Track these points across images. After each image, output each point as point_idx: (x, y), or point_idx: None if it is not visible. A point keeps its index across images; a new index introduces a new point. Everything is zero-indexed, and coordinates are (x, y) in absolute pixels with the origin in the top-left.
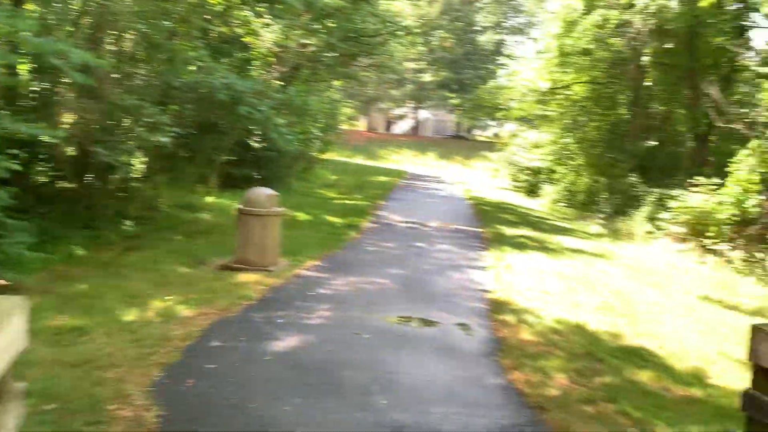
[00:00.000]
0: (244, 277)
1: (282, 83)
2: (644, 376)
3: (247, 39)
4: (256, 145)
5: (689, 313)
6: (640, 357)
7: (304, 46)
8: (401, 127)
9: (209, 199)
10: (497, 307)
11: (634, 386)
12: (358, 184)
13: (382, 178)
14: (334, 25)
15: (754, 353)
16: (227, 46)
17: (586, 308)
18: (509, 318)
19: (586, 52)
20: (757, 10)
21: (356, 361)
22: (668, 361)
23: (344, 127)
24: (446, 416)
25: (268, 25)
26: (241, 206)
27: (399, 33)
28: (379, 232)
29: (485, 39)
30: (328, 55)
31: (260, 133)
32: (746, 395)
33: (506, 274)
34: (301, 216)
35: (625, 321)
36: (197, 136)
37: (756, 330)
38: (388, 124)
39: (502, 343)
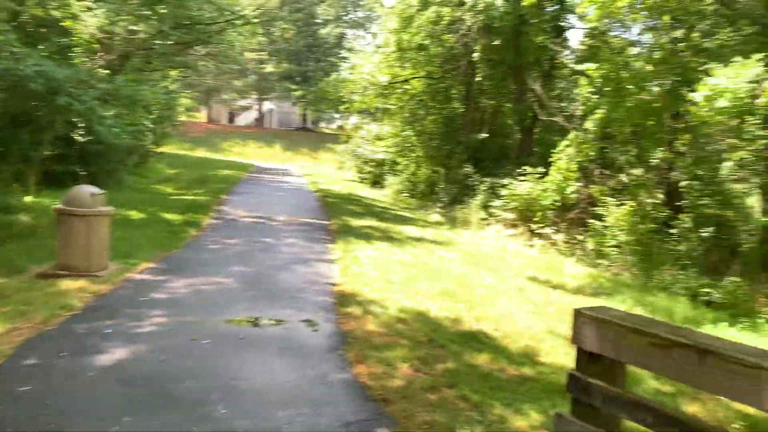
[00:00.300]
0: (66, 284)
1: (109, 72)
2: (482, 359)
3: (67, 24)
4: (81, 138)
5: (521, 295)
6: (478, 341)
7: (133, 33)
8: (245, 118)
9: (27, 199)
10: (344, 299)
11: (473, 370)
12: (199, 178)
13: (226, 172)
14: (166, 11)
15: (576, 336)
16: (43, 30)
17: (428, 295)
18: (355, 310)
19: (421, 48)
20: (573, 12)
21: (193, 370)
22: (503, 343)
23: (183, 118)
24: (291, 419)
25: (90, 8)
26: (60, 206)
27: (237, 22)
28: (221, 229)
29: (327, 32)
30: (161, 43)
31: (84, 125)
32: (571, 377)
33: (353, 266)
34: (135, 214)
35: (464, 306)
36: (9, 130)
37: (578, 314)
38: (231, 115)
39: (347, 336)
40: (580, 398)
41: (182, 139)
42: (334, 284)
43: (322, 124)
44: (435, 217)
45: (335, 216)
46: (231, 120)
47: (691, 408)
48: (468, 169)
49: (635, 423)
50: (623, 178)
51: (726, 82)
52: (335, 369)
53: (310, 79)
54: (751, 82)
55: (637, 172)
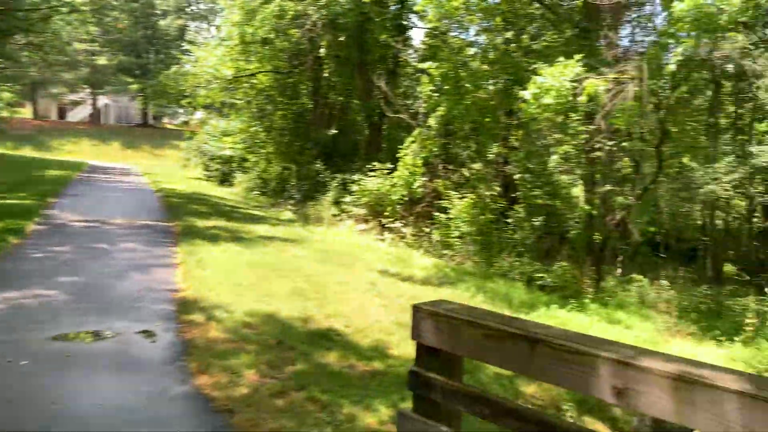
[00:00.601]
0: None
1: None
2: (332, 357)
3: None
4: None
5: (372, 289)
6: (328, 339)
7: None
8: (78, 114)
9: None
10: (185, 306)
11: (323, 369)
12: (22, 180)
13: (56, 172)
14: None
15: (416, 331)
16: None
17: (279, 296)
18: (198, 317)
19: (266, 42)
20: (414, 12)
21: (6, 397)
22: (354, 339)
23: (3, 114)
24: None
25: None
26: None
27: (63, 9)
28: (48, 235)
29: (167, 23)
30: None
31: None
32: (411, 373)
33: (197, 270)
34: None
35: (315, 304)
36: None
37: (416, 309)
38: (62, 111)
39: (189, 345)
40: (421, 394)
41: (3, 137)
42: (175, 290)
43: (166, 120)
44: (287, 214)
45: (179, 217)
46: (62, 116)
47: (529, 389)
48: (319, 165)
49: (474, 416)
50: (465, 172)
51: (551, 80)
52: (175, 382)
53: (149, 73)
54: (572, 80)
55: (477, 166)
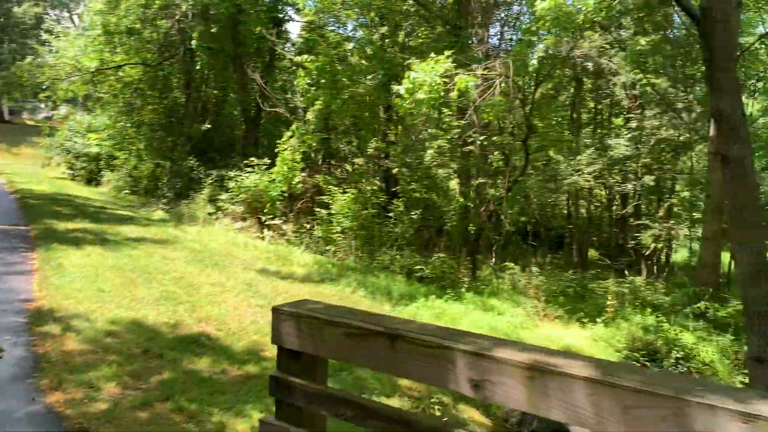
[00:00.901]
0: None
1: None
2: (202, 363)
3: None
4: None
5: (249, 289)
6: (199, 344)
7: None
8: None
9: None
10: (40, 318)
11: (192, 376)
12: None
13: None
14: None
15: (276, 335)
16: None
17: (146, 301)
18: (54, 328)
19: (132, 32)
20: (290, 4)
21: None
22: (227, 342)
23: None
24: None
25: None
26: None
27: None
28: None
29: (23, 10)
30: None
31: None
32: (273, 378)
33: (55, 277)
34: None
35: (186, 308)
36: None
37: (276, 312)
38: None
39: (42, 360)
40: (284, 400)
41: None
42: (29, 300)
43: (26, 116)
44: (159, 214)
45: (37, 220)
46: None
47: (405, 381)
48: (192, 161)
49: (336, 418)
50: (347, 167)
51: (423, 76)
52: (24, 402)
53: (2, 64)
54: (443, 76)
55: (360, 161)
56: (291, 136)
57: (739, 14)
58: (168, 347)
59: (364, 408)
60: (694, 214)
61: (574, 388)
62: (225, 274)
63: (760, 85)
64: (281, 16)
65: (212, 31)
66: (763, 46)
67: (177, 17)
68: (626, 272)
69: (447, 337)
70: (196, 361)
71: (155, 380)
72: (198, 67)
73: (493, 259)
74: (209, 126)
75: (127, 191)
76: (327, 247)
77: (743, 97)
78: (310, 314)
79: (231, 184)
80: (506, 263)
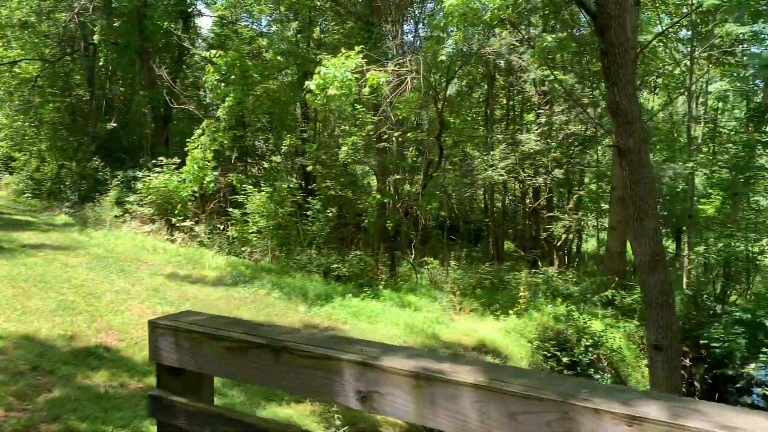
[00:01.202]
0: None
1: None
2: (99, 378)
3: None
4: None
5: (155, 295)
6: (96, 357)
7: None
8: None
9: None
10: None
11: (86, 393)
12: None
13: None
14: None
15: (154, 351)
16: None
17: (41, 313)
18: None
19: (26, 26)
20: None
21: None
22: (128, 354)
23: None
24: None
25: None
26: None
27: None
28: None
29: None
30: None
31: None
32: (152, 398)
33: None
34: None
35: (85, 318)
36: None
37: (153, 326)
38: None
39: None
40: (165, 420)
41: None
42: None
43: None
44: (63, 218)
45: None
46: None
47: None
48: (97, 162)
49: None
50: (265, 165)
51: (334, 71)
52: None
53: None
54: (354, 71)
55: (277, 159)
56: (201, 134)
57: (638, 13)
58: (61, 362)
59: (251, 426)
60: (601, 204)
61: (461, 395)
62: (131, 280)
63: (660, 81)
64: (190, 10)
65: (115, 25)
66: (660, 43)
67: (76, 10)
68: (539, 263)
69: (333, 347)
70: (92, 375)
71: (43, 399)
72: (102, 63)
73: (412, 255)
74: (115, 125)
75: (28, 195)
76: (242, 249)
77: (645, 93)
78: (189, 328)
79: (139, 185)
80: (425, 258)
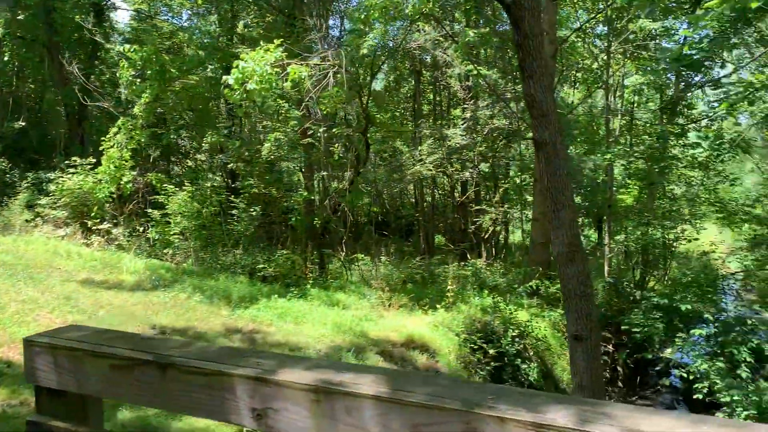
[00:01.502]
0: None
1: None
2: None
3: None
4: None
5: (67, 303)
6: None
7: None
8: None
9: None
10: None
11: None
12: None
13: None
14: None
15: (30, 372)
16: None
17: None
18: None
19: None
20: None
21: None
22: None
23: None
24: None
25: None
26: None
27: None
28: None
29: None
30: None
31: None
32: (31, 424)
33: None
34: None
35: None
36: None
37: (28, 344)
38: None
39: None
40: None
41: None
42: None
43: None
44: None
45: None
46: None
47: None
48: (4, 163)
49: None
50: (189, 163)
51: (253, 65)
52: None
53: None
54: (274, 66)
55: (202, 156)
56: (117, 132)
57: (557, 8)
58: None
59: None
60: (525, 197)
61: (362, 408)
62: (40, 288)
63: (579, 75)
64: (103, 3)
65: (20, 17)
66: (579, 39)
67: None
68: (468, 255)
69: (226, 362)
70: None
71: None
72: (6, 59)
73: (343, 252)
74: (24, 124)
75: None
76: (164, 251)
77: (565, 88)
78: (69, 345)
79: (52, 187)
80: (356, 255)
